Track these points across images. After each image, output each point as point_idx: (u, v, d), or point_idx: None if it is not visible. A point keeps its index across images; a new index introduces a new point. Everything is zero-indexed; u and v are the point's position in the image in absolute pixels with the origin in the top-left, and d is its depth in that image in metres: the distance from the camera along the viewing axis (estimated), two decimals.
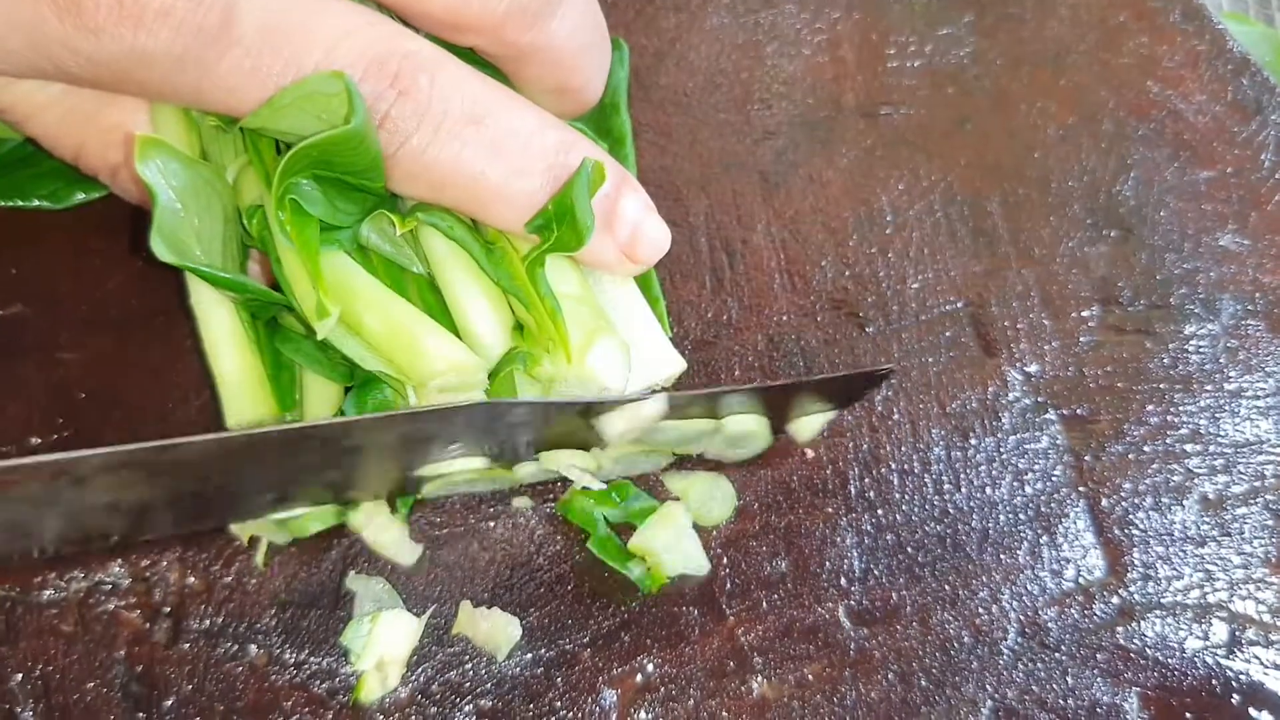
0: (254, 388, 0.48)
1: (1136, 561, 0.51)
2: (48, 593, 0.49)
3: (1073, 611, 0.50)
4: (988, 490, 0.52)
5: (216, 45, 0.42)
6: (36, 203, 0.56)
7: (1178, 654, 0.49)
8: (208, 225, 0.44)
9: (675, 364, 0.49)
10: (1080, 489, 0.52)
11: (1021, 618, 0.50)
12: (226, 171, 0.47)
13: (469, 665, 0.48)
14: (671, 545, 0.49)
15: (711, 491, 0.50)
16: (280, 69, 0.42)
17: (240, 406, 0.48)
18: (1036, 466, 0.53)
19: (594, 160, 0.47)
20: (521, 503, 0.51)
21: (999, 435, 0.53)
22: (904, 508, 0.51)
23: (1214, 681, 0.49)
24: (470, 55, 0.48)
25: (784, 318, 0.55)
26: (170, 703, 0.47)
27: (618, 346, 0.46)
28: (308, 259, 0.44)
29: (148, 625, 0.49)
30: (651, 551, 0.48)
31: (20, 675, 0.48)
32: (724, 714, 0.47)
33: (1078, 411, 0.54)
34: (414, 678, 0.48)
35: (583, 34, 0.50)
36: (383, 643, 0.47)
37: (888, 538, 0.51)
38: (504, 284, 0.47)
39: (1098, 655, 0.49)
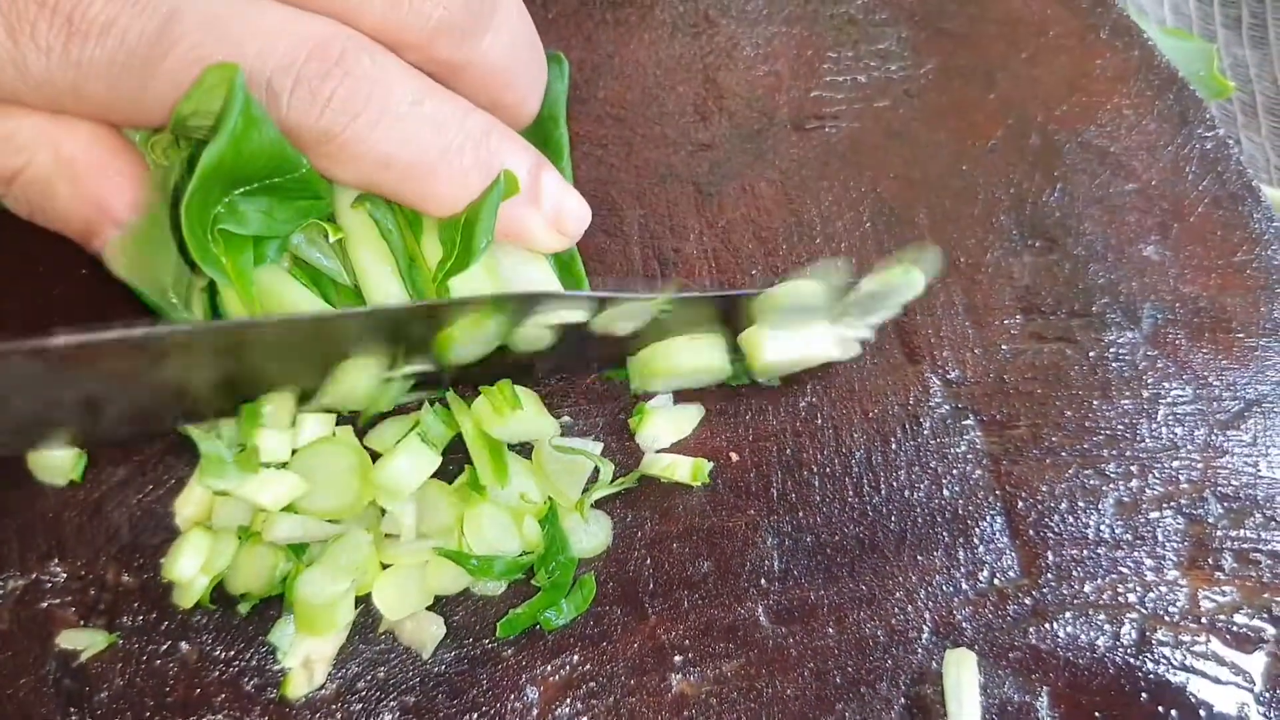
0: None
1: (1051, 563, 0.53)
2: None
3: (986, 611, 0.51)
4: (907, 493, 0.53)
5: (160, 44, 0.43)
6: None
7: (1088, 654, 0.51)
8: (167, 251, 0.46)
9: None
10: (997, 492, 0.54)
11: (936, 617, 0.51)
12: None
13: (394, 662, 0.49)
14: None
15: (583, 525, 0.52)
16: (223, 57, 0.43)
17: None
18: (955, 470, 0.54)
19: (509, 171, 0.49)
20: None
21: (919, 440, 0.55)
22: (824, 510, 0.53)
23: (1123, 681, 0.50)
24: None
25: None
26: (102, 697, 0.48)
27: None
28: (241, 287, 0.45)
29: (82, 622, 0.50)
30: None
31: None
32: (644, 710, 0.49)
33: (997, 417, 0.55)
34: (340, 674, 0.49)
35: (515, 51, 0.51)
36: (309, 640, 0.48)
37: (807, 539, 0.52)
38: (420, 296, 0.49)
39: (1010, 654, 0.51)
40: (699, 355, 0.51)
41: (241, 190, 0.46)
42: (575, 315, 0.48)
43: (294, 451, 0.49)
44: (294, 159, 0.45)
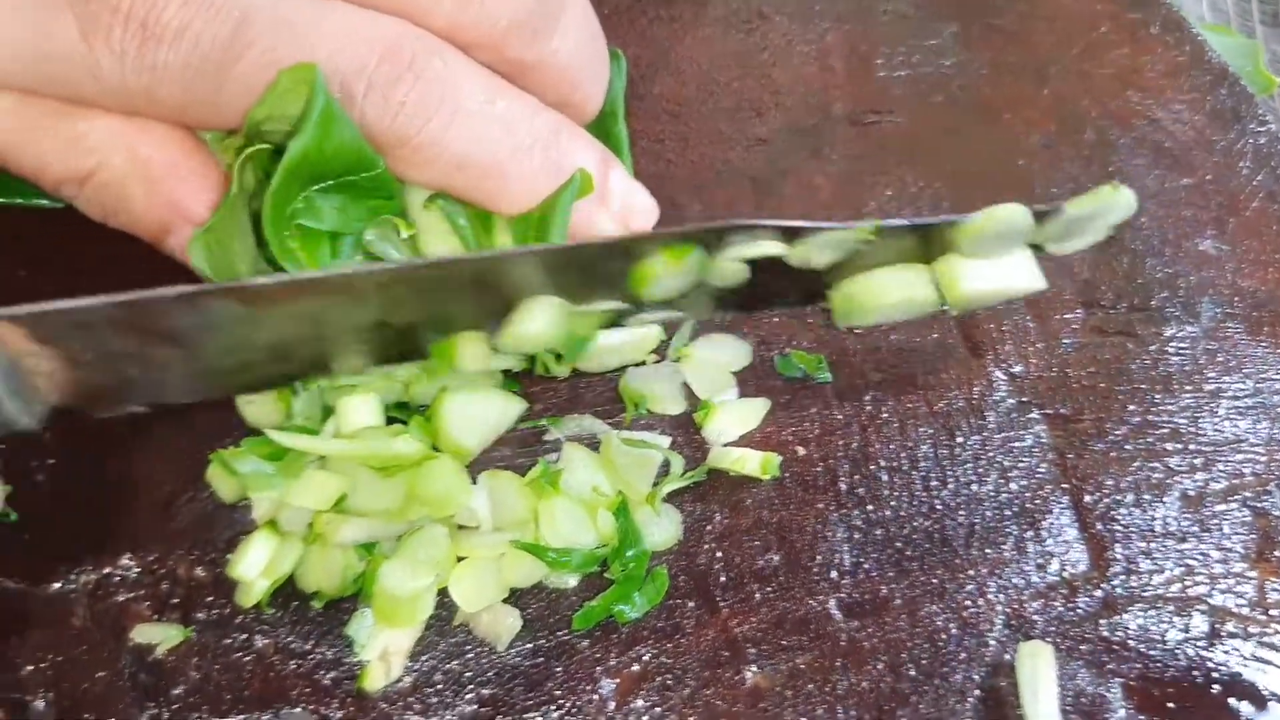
0: None
1: (1119, 556, 0.53)
2: (56, 585, 0.50)
3: (1057, 604, 0.51)
4: (974, 487, 0.53)
5: (233, 49, 0.43)
6: (39, 201, 0.56)
7: (1159, 646, 0.51)
8: (244, 248, 0.46)
9: (656, 329, 0.53)
10: (1064, 486, 0.54)
11: (1007, 610, 0.51)
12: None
13: (470, 655, 0.50)
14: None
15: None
16: (295, 61, 0.43)
17: None
18: (1021, 464, 0.54)
19: (584, 170, 0.49)
20: None
21: (985, 434, 0.55)
22: (892, 504, 0.53)
23: (1195, 672, 0.51)
24: None
25: (775, 319, 0.57)
26: (179, 691, 0.48)
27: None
28: None
29: (155, 617, 0.50)
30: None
31: (30, 665, 0.49)
32: (719, 703, 0.49)
33: (1061, 411, 0.56)
34: (417, 667, 0.49)
35: (582, 50, 0.51)
36: (386, 633, 0.48)
37: (877, 533, 0.52)
38: None
39: (1081, 646, 0.51)
40: (906, 287, 0.49)
41: (318, 187, 0.46)
42: (773, 248, 0.46)
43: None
44: (372, 158, 0.45)
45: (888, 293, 0.49)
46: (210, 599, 0.50)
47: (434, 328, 0.47)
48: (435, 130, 0.46)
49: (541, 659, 0.50)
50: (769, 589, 0.51)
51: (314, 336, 0.44)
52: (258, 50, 0.43)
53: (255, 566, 0.48)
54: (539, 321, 0.46)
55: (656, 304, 0.48)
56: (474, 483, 0.50)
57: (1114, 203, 0.49)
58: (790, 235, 0.47)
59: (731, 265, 0.47)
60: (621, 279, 0.46)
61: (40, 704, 0.48)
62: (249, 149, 0.47)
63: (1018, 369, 0.56)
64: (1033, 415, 0.55)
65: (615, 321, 0.49)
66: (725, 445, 0.53)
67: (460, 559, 0.49)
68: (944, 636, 0.51)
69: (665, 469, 0.53)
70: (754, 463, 0.51)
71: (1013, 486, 0.54)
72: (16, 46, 0.44)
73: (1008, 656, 0.50)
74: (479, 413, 0.51)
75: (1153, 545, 0.53)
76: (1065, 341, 0.57)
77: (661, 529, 0.51)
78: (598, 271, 0.46)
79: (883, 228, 0.47)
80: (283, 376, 0.47)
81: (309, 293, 0.42)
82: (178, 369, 0.43)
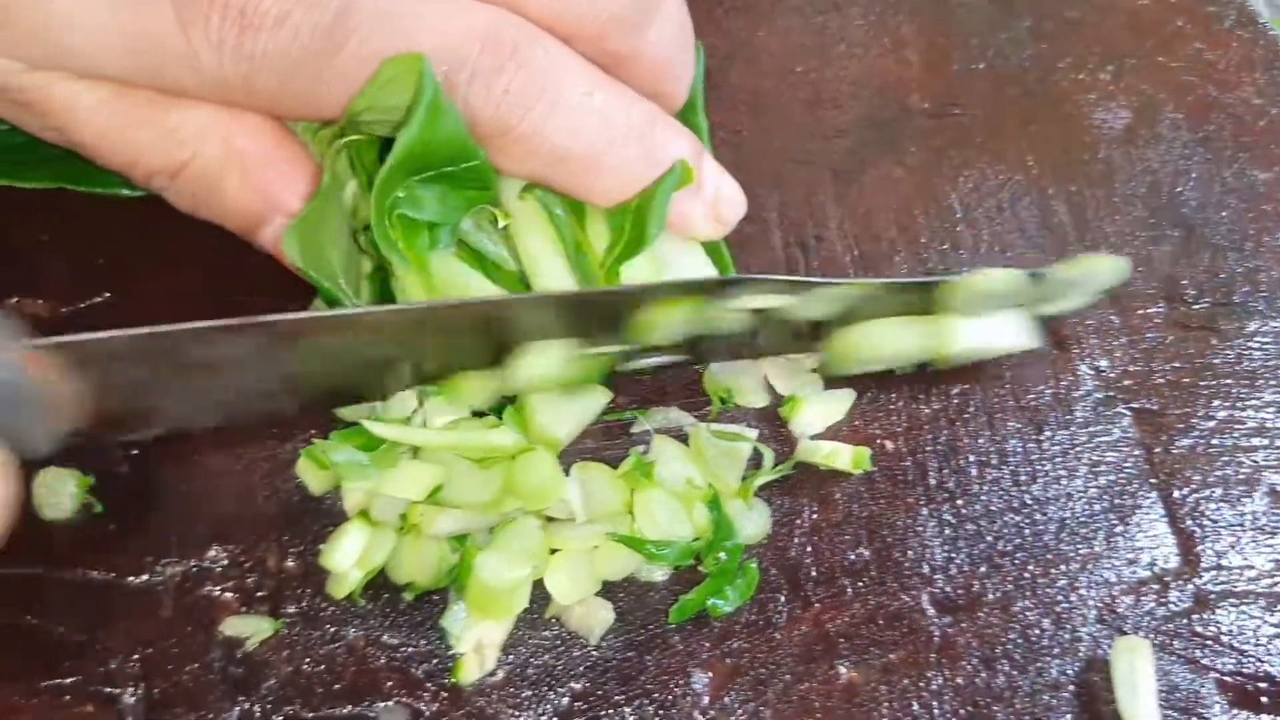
0: None
1: (1209, 551, 0.52)
2: (143, 577, 0.50)
3: (1149, 600, 0.51)
4: (1063, 481, 0.53)
5: (333, 39, 0.43)
6: (119, 190, 0.56)
7: (1253, 641, 0.50)
8: (336, 239, 0.46)
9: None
10: (1152, 481, 0.54)
11: (1099, 605, 0.51)
12: (345, 190, 0.48)
13: (562, 649, 0.49)
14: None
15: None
16: (396, 52, 0.43)
17: None
18: (1109, 458, 0.54)
19: (684, 162, 0.49)
20: None
21: (1072, 428, 0.54)
22: (983, 498, 0.52)
23: None
24: None
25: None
26: (270, 684, 0.48)
27: None
28: (419, 270, 0.45)
29: (244, 609, 0.49)
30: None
31: (119, 658, 0.48)
32: (814, 698, 0.48)
33: (1147, 405, 0.55)
34: (509, 660, 0.49)
35: (675, 40, 0.51)
36: (481, 625, 0.48)
37: (968, 528, 0.52)
38: (588, 282, 0.49)
39: (1175, 642, 0.50)
40: (899, 340, 0.51)
41: (419, 177, 0.45)
42: (773, 301, 0.47)
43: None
44: (473, 148, 0.45)
45: (882, 346, 0.51)
46: (300, 591, 0.50)
47: (443, 364, 0.48)
48: (536, 120, 0.45)
49: (633, 653, 0.49)
50: (860, 584, 0.51)
51: (333, 370, 0.46)
52: (358, 40, 0.43)
53: (348, 557, 0.47)
54: (542, 364, 0.47)
55: (657, 349, 0.50)
56: (566, 474, 0.50)
57: (1101, 269, 0.52)
58: (795, 287, 0.48)
59: (732, 315, 0.48)
60: (624, 326, 0.48)
61: (130, 697, 0.48)
62: (345, 139, 0.46)
63: (1103, 363, 0.56)
64: (1119, 410, 0.55)
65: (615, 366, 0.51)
66: (812, 438, 0.53)
67: (553, 551, 0.49)
68: (1037, 632, 0.50)
69: (753, 462, 0.52)
70: (845, 457, 0.51)
71: (1101, 481, 0.53)
72: (113, 37, 0.43)
73: (1100, 652, 0.50)
74: (567, 404, 0.50)
75: (1242, 540, 0.53)
76: (1149, 336, 0.57)
77: (752, 522, 0.50)
78: (601, 318, 0.47)
79: (876, 285, 0.49)
80: (304, 405, 0.49)
81: (328, 330, 0.43)
82: (200, 398, 0.44)
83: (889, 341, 0.50)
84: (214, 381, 0.42)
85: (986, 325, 0.50)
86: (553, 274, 0.48)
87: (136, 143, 0.47)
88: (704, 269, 0.52)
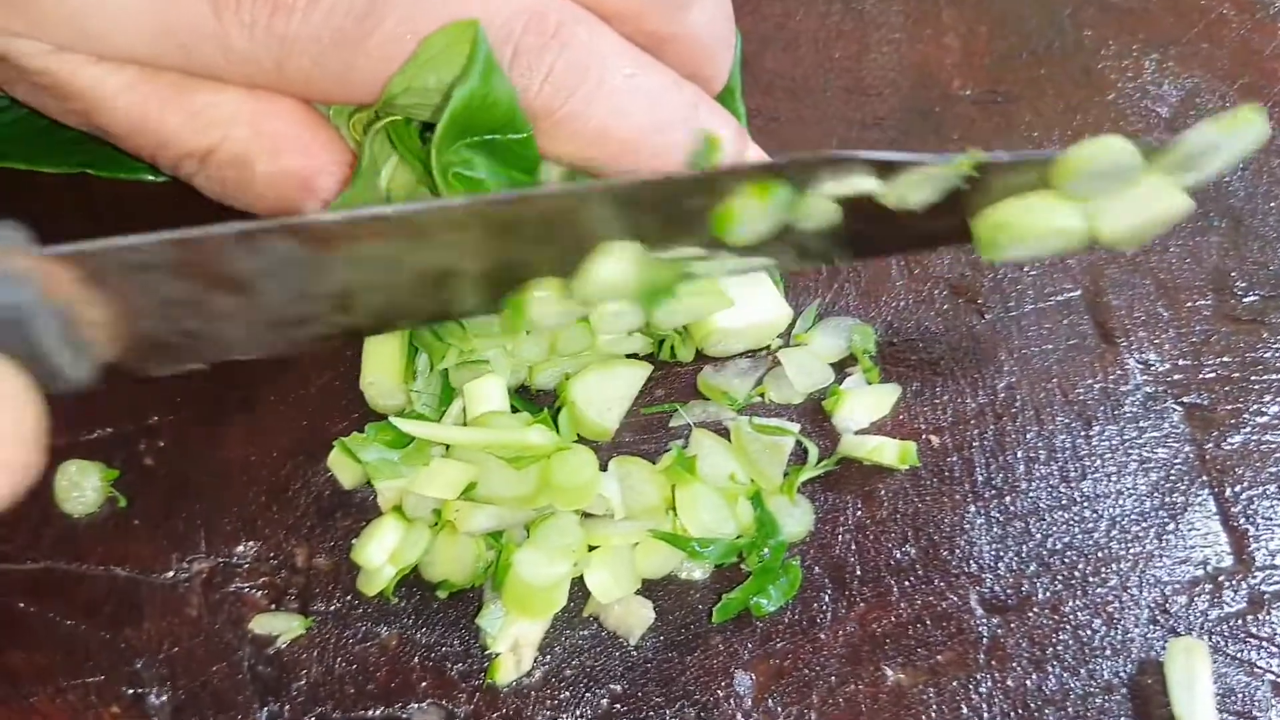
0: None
1: (1263, 550, 0.51)
2: (169, 574, 0.49)
3: (1201, 600, 0.50)
4: (1113, 478, 0.52)
5: (369, 18, 0.41)
6: (144, 176, 0.55)
7: None
8: None
9: (783, 310, 0.51)
10: (1203, 478, 0.52)
11: (1152, 605, 0.49)
12: (381, 173, 0.46)
13: (600, 649, 0.48)
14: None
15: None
16: (434, 31, 0.41)
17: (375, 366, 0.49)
18: (1159, 455, 0.52)
19: (710, 134, 0.47)
20: None
21: (1121, 423, 0.53)
22: (1031, 495, 0.51)
23: None
24: None
25: (901, 304, 0.55)
26: (301, 685, 0.47)
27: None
28: None
29: (273, 606, 0.48)
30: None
31: (146, 657, 0.47)
32: (861, 700, 0.47)
33: (1197, 400, 0.54)
34: (546, 661, 0.47)
35: (717, 23, 0.49)
36: (518, 624, 0.46)
37: (1016, 525, 0.50)
38: None
39: (1229, 644, 0.49)
40: (1054, 214, 0.42)
41: (469, 141, 0.44)
42: (866, 184, 0.41)
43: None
44: (524, 119, 0.44)
45: (1038, 219, 0.42)
46: (331, 588, 0.48)
47: (505, 277, 0.42)
48: (580, 102, 0.44)
49: (674, 653, 0.48)
50: (906, 583, 0.49)
51: (379, 285, 0.40)
52: (394, 20, 0.42)
53: (381, 553, 0.46)
54: (615, 267, 0.41)
55: (740, 250, 0.43)
56: (604, 469, 0.48)
57: (1242, 127, 0.41)
58: (884, 170, 0.42)
59: (822, 204, 0.42)
60: (703, 220, 0.42)
61: (156, 698, 0.46)
62: (382, 121, 0.45)
63: (1151, 357, 0.54)
64: (1169, 405, 0.53)
65: (691, 272, 0.44)
66: (856, 433, 0.51)
67: (591, 548, 0.47)
68: (1088, 632, 0.49)
69: (795, 457, 0.51)
70: (891, 452, 0.49)
71: (1152, 478, 0.52)
72: (143, 18, 0.42)
73: (1153, 653, 0.48)
74: (609, 388, 0.49)
75: None
76: (1198, 329, 0.55)
77: (796, 519, 0.49)
78: (678, 211, 0.41)
79: (982, 162, 0.42)
80: (347, 331, 0.43)
81: (372, 233, 0.38)
82: (237, 320, 0.39)
83: (1042, 215, 0.42)
84: (256, 299, 0.38)
85: (1136, 196, 0.42)
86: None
87: (163, 126, 0.45)
88: (768, 291, 0.50)
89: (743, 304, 0.50)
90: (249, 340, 0.40)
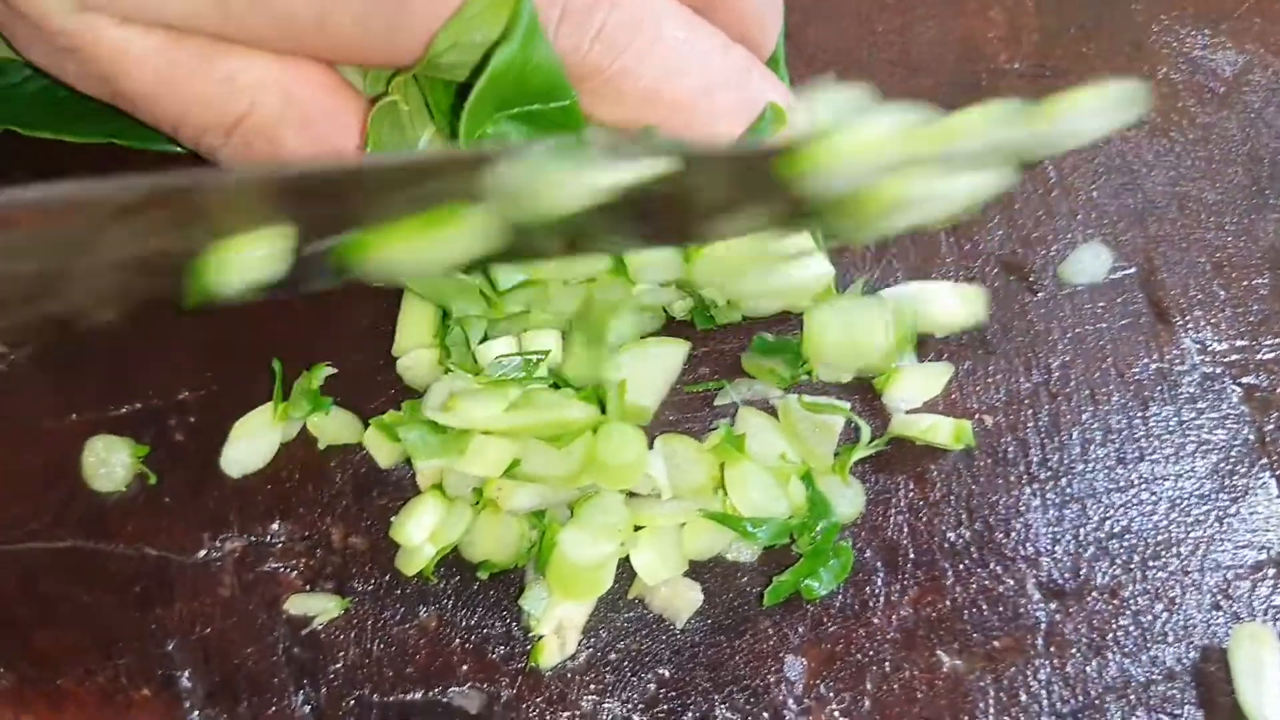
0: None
1: None
2: (202, 553, 0.47)
3: (1265, 585, 0.48)
4: (1171, 460, 0.50)
5: None
6: (171, 148, 0.53)
7: None
8: None
9: (824, 267, 0.49)
10: (1264, 460, 0.50)
11: (1214, 590, 0.48)
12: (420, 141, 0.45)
13: (645, 632, 0.46)
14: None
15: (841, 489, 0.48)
16: None
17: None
18: (1218, 436, 0.51)
19: (775, 104, 0.46)
20: None
21: (1178, 404, 0.51)
22: (1088, 477, 0.49)
23: None
24: None
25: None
26: (337, 668, 0.45)
27: None
28: None
29: (308, 587, 0.46)
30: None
31: (177, 639, 0.46)
32: (917, 687, 0.45)
33: (1255, 380, 0.52)
34: (590, 644, 0.46)
35: None
36: (562, 606, 0.45)
37: (1072, 508, 0.49)
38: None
39: None
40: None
41: (508, 113, 0.42)
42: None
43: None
44: (565, 85, 0.42)
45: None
46: (369, 568, 0.47)
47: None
48: (630, 61, 0.42)
49: (722, 637, 0.46)
50: (961, 566, 0.48)
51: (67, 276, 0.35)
52: None
53: (421, 532, 0.44)
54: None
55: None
56: (649, 447, 0.47)
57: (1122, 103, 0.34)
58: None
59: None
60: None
61: (188, 680, 0.45)
62: (402, 76, 0.43)
63: (1207, 335, 0.53)
64: (1227, 386, 0.52)
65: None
66: (909, 412, 0.50)
67: (637, 528, 0.46)
68: (1148, 618, 0.47)
69: (844, 436, 0.49)
70: (946, 431, 0.48)
71: (1211, 460, 0.50)
72: None
73: (1216, 640, 0.47)
74: (647, 368, 0.48)
75: None
76: (1255, 309, 0.54)
77: (847, 500, 0.47)
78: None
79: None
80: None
81: (21, 222, 0.32)
82: None
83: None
84: None
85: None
86: None
87: (188, 94, 0.44)
88: (810, 249, 0.49)
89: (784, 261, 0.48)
90: None
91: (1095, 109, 0.34)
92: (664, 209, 0.34)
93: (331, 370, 0.49)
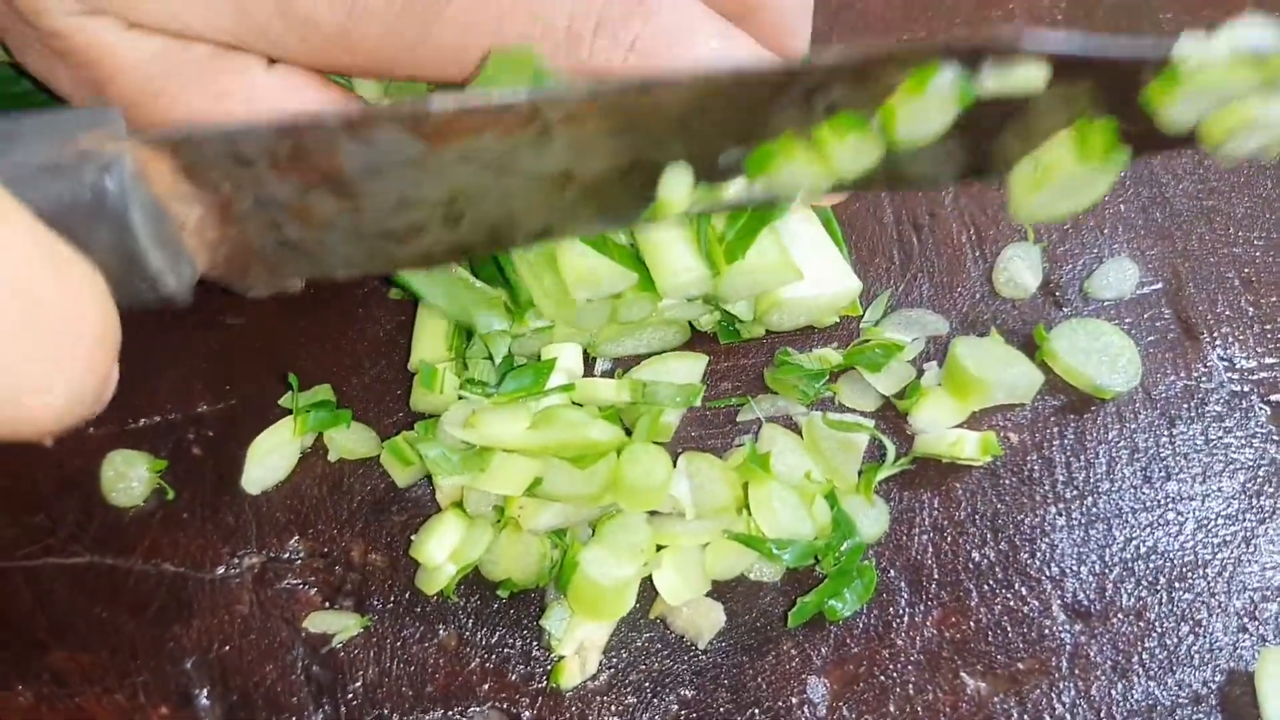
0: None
1: None
2: (220, 569, 0.47)
3: None
4: (1198, 480, 0.50)
5: None
6: None
7: None
8: None
9: (852, 282, 0.49)
10: None
11: (1240, 613, 0.47)
12: None
13: (668, 653, 0.46)
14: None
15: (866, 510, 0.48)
16: (511, 4, 0.39)
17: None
18: (1245, 455, 0.50)
19: None
20: None
21: (1205, 422, 0.51)
22: (1114, 496, 0.49)
23: None
24: None
25: (977, 294, 0.53)
26: (356, 687, 0.45)
27: None
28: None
29: (327, 604, 0.46)
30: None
31: (195, 656, 0.45)
32: (941, 709, 0.45)
33: None
34: (612, 664, 0.45)
35: None
36: (584, 626, 0.44)
37: (1098, 527, 0.48)
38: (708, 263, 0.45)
39: None
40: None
41: None
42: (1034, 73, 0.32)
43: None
44: None
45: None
46: (388, 585, 0.46)
47: (629, 185, 0.37)
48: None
49: (745, 658, 0.46)
50: (985, 586, 0.47)
51: (492, 191, 0.36)
52: None
53: (442, 550, 0.44)
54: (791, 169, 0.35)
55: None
56: (673, 465, 0.46)
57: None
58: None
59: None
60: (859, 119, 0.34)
61: (206, 699, 0.45)
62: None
63: (1235, 353, 0.52)
64: (1254, 404, 0.51)
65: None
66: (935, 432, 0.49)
67: (659, 548, 0.45)
68: (1174, 640, 0.47)
69: (870, 454, 0.49)
70: (972, 445, 0.47)
71: (1239, 479, 0.50)
72: None
73: (1243, 664, 0.46)
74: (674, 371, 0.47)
75: None
76: None
77: (872, 519, 0.47)
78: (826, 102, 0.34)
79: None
80: (456, 248, 0.38)
81: (490, 124, 0.33)
82: (340, 229, 0.35)
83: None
84: (361, 204, 0.34)
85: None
86: (671, 245, 0.45)
87: (180, 106, 0.42)
88: (825, 245, 0.48)
89: (810, 275, 0.48)
90: (351, 255, 0.36)
91: None
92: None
93: (329, 394, 0.48)
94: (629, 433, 0.46)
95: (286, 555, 0.47)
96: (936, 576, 0.47)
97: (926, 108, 0.32)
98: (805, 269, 0.46)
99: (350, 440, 0.47)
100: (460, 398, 0.45)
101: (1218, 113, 0.32)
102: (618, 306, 0.46)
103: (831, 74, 0.33)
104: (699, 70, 0.33)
